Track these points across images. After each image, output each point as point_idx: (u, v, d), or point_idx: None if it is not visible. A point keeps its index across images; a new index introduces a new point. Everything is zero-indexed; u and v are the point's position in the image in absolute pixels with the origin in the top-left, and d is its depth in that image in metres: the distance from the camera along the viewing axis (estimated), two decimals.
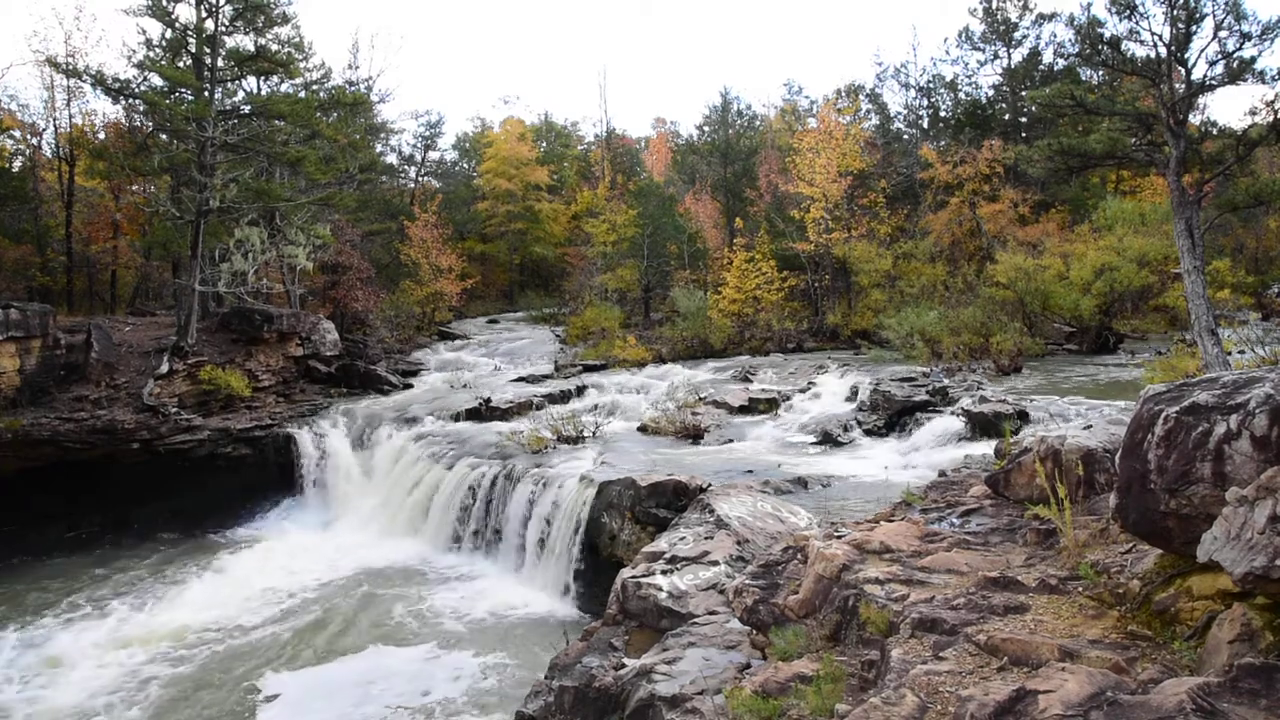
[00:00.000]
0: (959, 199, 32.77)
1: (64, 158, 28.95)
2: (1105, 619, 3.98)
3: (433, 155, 50.07)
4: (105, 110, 46.18)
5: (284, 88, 29.04)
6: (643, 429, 18.35)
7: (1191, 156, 14.66)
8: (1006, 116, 37.14)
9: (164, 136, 24.46)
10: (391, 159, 45.68)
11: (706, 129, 49.45)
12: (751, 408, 19.44)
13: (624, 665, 6.35)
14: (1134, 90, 22.07)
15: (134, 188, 29.50)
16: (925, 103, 39.83)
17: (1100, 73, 30.17)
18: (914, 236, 32.57)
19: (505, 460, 16.18)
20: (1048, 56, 35.83)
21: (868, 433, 16.54)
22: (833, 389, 20.28)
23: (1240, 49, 13.97)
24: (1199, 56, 14.44)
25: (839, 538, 5.68)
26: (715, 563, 8.45)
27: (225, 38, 22.66)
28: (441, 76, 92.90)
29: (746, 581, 5.86)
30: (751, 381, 22.57)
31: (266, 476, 19.60)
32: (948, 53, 51.65)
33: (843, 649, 4.71)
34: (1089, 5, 31.90)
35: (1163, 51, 14.48)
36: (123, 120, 27.58)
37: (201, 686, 11.23)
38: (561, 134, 57.42)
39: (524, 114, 64.43)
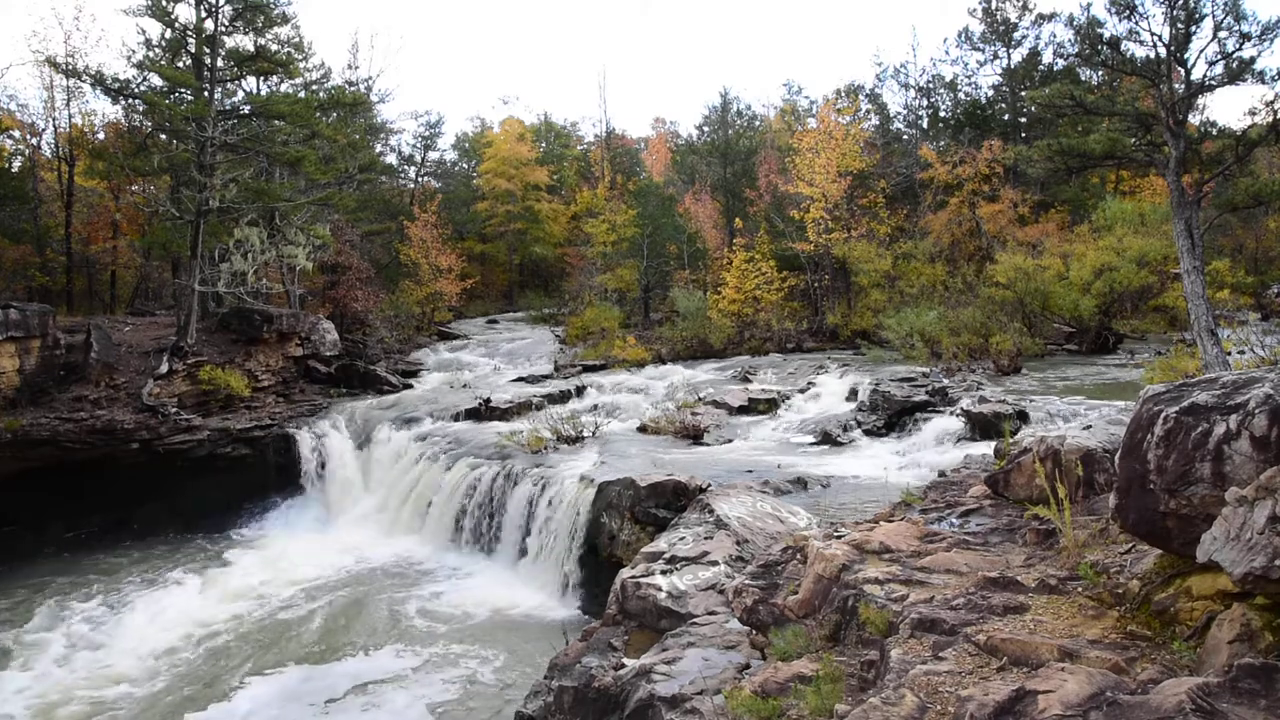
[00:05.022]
0: (959, 199, 32.78)
1: (63, 158, 28.95)
2: (1105, 619, 3.98)
3: (432, 155, 50.16)
4: (105, 110, 46.20)
5: (284, 88, 29.05)
6: (642, 429, 18.34)
7: (1191, 156, 14.66)
8: (1006, 116, 37.16)
9: (164, 136, 24.48)
10: (391, 159, 45.74)
11: (706, 129, 49.43)
12: (751, 408, 19.43)
13: (623, 665, 6.35)
14: (1134, 90, 22.07)
15: (134, 188, 29.48)
16: (925, 103, 39.85)
17: (1100, 73, 30.23)
18: (914, 236, 32.57)
19: (505, 460, 16.18)
20: (1047, 56, 35.90)
21: (867, 433, 16.54)
22: (832, 389, 20.27)
23: (1240, 49, 13.98)
24: (1198, 57, 14.47)
25: (838, 538, 5.68)
26: (715, 563, 8.44)
27: (225, 38, 22.67)
28: (441, 76, 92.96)
29: (746, 582, 5.86)
30: (751, 382, 22.57)
31: (266, 476, 19.59)
32: (947, 53, 51.70)
33: (842, 649, 4.71)
34: (1089, 5, 31.94)
35: (1162, 52, 14.48)
36: (122, 120, 27.58)
37: (197, 686, 11.22)
38: (561, 134, 57.40)
39: (523, 114, 64.42)
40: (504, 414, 20.46)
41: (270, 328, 22.36)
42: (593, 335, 31.10)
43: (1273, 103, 16.49)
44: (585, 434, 17.48)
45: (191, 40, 22.60)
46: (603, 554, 12.57)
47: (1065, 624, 4.00)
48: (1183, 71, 14.60)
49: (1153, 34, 14.51)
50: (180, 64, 23.55)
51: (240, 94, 26.71)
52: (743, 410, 19.32)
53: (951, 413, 15.75)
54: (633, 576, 8.24)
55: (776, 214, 33.14)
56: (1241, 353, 15.14)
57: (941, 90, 39.37)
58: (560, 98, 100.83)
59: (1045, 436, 6.24)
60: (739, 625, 6.04)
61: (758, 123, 47.09)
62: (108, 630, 13.08)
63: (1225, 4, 13.93)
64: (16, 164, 30.17)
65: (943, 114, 39.32)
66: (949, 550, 5.34)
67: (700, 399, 20.36)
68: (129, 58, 24.88)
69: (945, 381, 18.26)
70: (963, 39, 37.55)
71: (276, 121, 22.91)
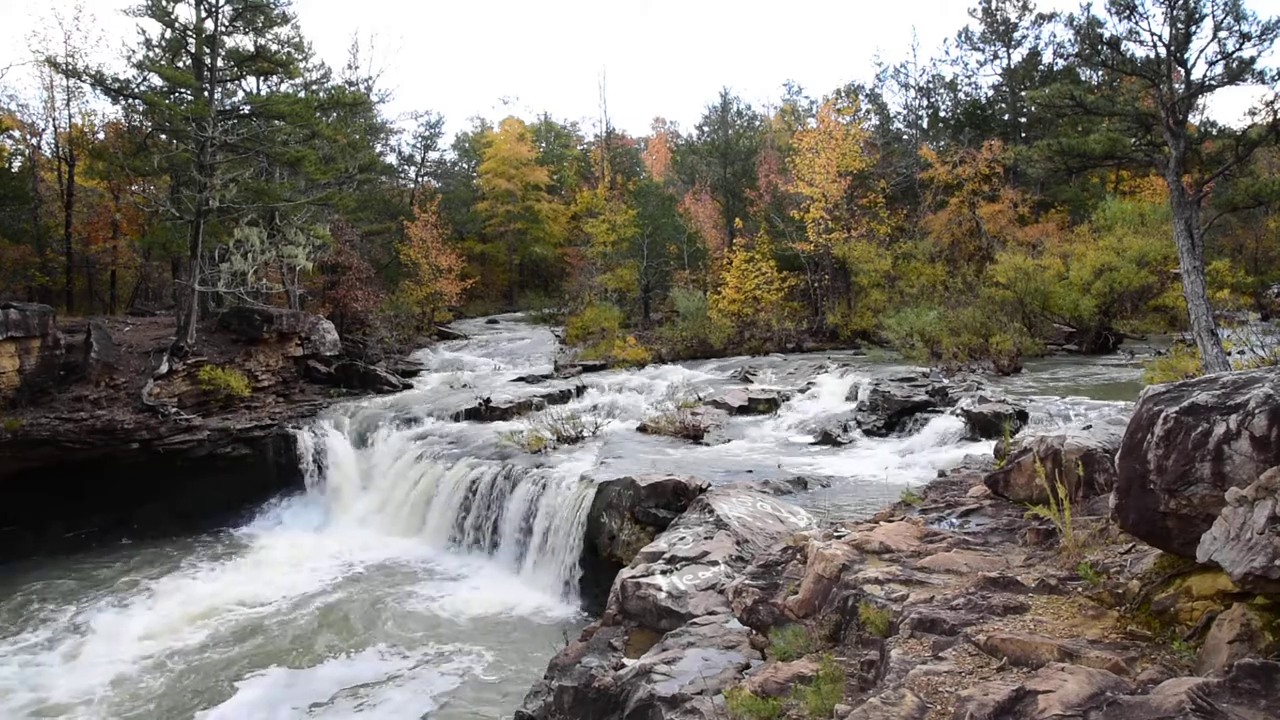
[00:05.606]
0: (959, 199, 32.78)
1: (64, 158, 28.94)
2: (1105, 619, 3.98)
3: (432, 155, 50.15)
4: (105, 110, 46.17)
5: (284, 88, 29.04)
6: (642, 429, 18.33)
7: (1191, 156, 14.66)
8: (1006, 116, 37.16)
9: (164, 136, 24.48)
10: (391, 159, 45.73)
11: (706, 129, 49.44)
12: (751, 408, 19.43)
13: (623, 665, 6.35)
14: (1134, 90, 22.06)
15: (134, 188, 29.48)
16: (925, 103, 39.86)
17: (1100, 73, 30.24)
18: (914, 236, 32.58)
19: (505, 460, 16.18)
20: (1047, 56, 35.93)
21: (867, 433, 16.54)
22: (832, 389, 20.28)
23: (1240, 49, 13.98)
24: (1198, 57, 14.47)
25: (838, 538, 5.68)
26: (715, 563, 8.44)
27: (225, 38, 22.66)
28: (441, 76, 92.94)
29: (746, 582, 5.86)
30: (751, 382, 22.57)
31: (266, 476, 19.59)
32: (947, 53, 51.71)
33: (842, 649, 4.71)
34: (1089, 5, 31.95)
35: (1162, 51, 14.48)
36: (122, 120, 27.58)
37: (189, 687, 11.21)
38: (561, 134, 57.41)
39: (523, 114, 64.41)
40: (504, 414, 20.45)
41: (270, 328, 22.35)
42: (593, 335, 31.09)
43: (1273, 103, 16.49)
44: (585, 434, 17.48)
45: (191, 40, 22.60)
46: (603, 554, 12.57)
47: (1065, 624, 3.99)
48: (1183, 71, 14.59)
49: (1153, 34, 14.51)
50: (180, 64, 23.54)
51: (240, 94, 26.72)
52: (743, 410, 19.32)
53: (951, 413, 15.75)
54: (633, 576, 8.24)
55: (776, 214, 33.14)
56: (1241, 353, 15.13)
57: (941, 90, 39.40)
58: (560, 98, 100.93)
59: (1045, 436, 6.24)
60: (739, 625, 6.04)
61: (758, 123, 47.11)
62: (100, 630, 13.08)
63: (1225, 4, 13.94)
64: (16, 164, 30.16)
65: (943, 114, 39.33)
66: (949, 550, 5.34)
67: (700, 399, 20.36)
68: (129, 58, 24.90)
69: (945, 381, 18.26)
70: (963, 39, 37.59)
71: (276, 121, 22.90)
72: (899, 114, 40.53)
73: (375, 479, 18.86)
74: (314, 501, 19.20)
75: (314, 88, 31.73)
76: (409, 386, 24.75)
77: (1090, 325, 24.09)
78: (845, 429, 16.77)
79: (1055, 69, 34.80)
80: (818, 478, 13.12)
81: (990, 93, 38.26)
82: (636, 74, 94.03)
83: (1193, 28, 14.19)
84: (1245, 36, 13.85)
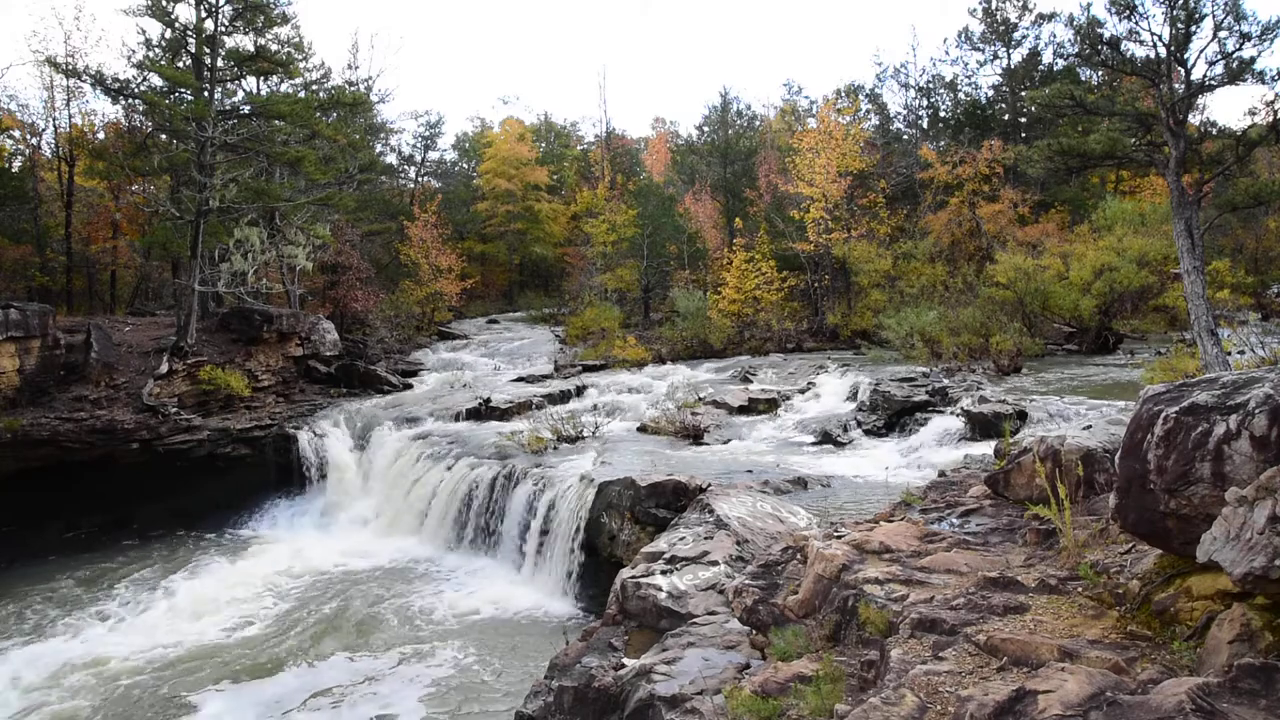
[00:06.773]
0: (959, 199, 32.78)
1: (64, 158, 28.93)
2: (1105, 619, 3.99)
3: (432, 155, 50.10)
4: (105, 110, 46.21)
5: (284, 88, 29.05)
6: (642, 429, 18.34)
7: (1191, 156, 14.66)
8: (1006, 116, 37.18)
9: (164, 136, 24.48)
10: (391, 159, 45.67)
11: (706, 129, 49.45)
12: (751, 408, 19.43)
13: (623, 665, 6.35)
14: (1134, 90, 22.07)
15: (134, 188, 29.47)
16: (925, 103, 39.86)
17: (1100, 73, 30.23)
18: (914, 236, 32.57)
19: (505, 460, 16.17)
20: (1047, 56, 35.96)
21: (867, 433, 16.54)
22: (832, 389, 20.27)
23: (1240, 49, 13.98)
24: (1198, 57, 14.47)
25: (838, 538, 5.68)
26: (715, 563, 8.44)
27: (225, 38, 22.67)
28: (441, 76, 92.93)
29: (746, 582, 5.86)
30: (751, 381, 22.57)
31: (266, 476, 19.59)
32: (947, 53, 51.63)
33: (842, 649, 4.71)
34: (1089, 5, 31.91)
35: (1162, 51, 14.48)
36: (122, 120, 27.58)
37: (192, 688, 11.22)
38: (561, 134, 57.40)
39: (523, 114, 64.27)
40: (504, 414, 20.46)
41: (270, 328, 22.36)
42: (593, 335, 31.10)
43: (1273, 103, 16.51)
44: (585, 434, 17.48)
45: (191, 40, 22.60)
46: (603, 554, 12.57)
47: (1065, 624, 4.00)
48: (1183, 71, 14.59)
49: (1153, 34, 14.51)
50: (180, 64, 23.55)
51: (240, 94, 26.73)
52: (743, 410, 19.31)
53: (951, 413, 15.74)
54: (633, 576, 8.24)
55: (776, 214, 33.14)
56: (1241, 353, 15.14)
57: (941, 90, 39.40)
58: (560, 98, 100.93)
59: (1045, 436, 6.25)
60: (739, 625, 6.04)
61: (758, 123, 47.12)
62: (105, 631, 13.08)
63: (1225, 4, 13.94)
64: (16, 164, 30.16)
65: (943, 114, 39.34)
66: (949, 550, 5.35)
67: (700, 399, 20.35)
68: (129, 58, 25.02)
69: (945, 381, 18.25)
70: (963, 39, 37.59)
71: (276, 121, 22.89)
72: (899, 114, 40.56)
73: (375, 479, 18.86)
74: (314, 501, 19.20)
75: (314, 88, 31.73)
76: (409, 386, 24.75)
77: (1090, 325, 24.08)
78: (845, 429, 16.77)
79: (1055, 69, 34.82)
80: (818, 478, 13.12)
81: (990, 93, 38.29)
82: (636, 74, 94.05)
83: (1193, 28, 14.20)
84: (1245, 36, 13.86)
